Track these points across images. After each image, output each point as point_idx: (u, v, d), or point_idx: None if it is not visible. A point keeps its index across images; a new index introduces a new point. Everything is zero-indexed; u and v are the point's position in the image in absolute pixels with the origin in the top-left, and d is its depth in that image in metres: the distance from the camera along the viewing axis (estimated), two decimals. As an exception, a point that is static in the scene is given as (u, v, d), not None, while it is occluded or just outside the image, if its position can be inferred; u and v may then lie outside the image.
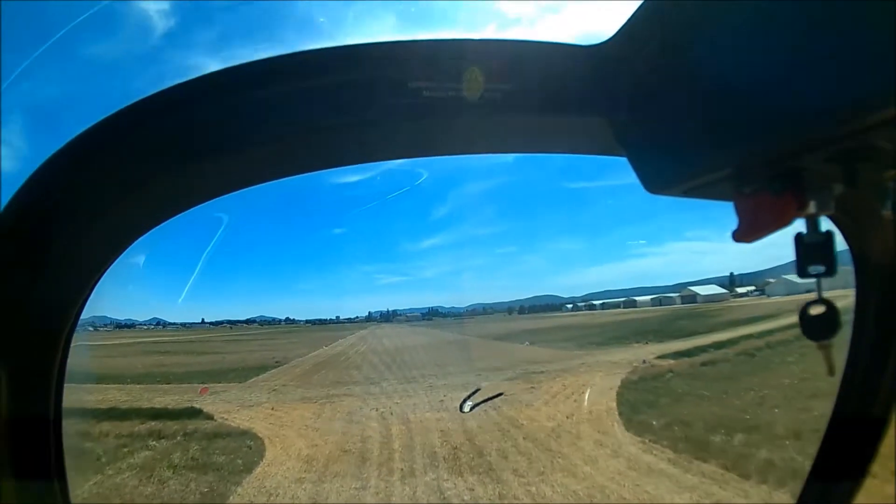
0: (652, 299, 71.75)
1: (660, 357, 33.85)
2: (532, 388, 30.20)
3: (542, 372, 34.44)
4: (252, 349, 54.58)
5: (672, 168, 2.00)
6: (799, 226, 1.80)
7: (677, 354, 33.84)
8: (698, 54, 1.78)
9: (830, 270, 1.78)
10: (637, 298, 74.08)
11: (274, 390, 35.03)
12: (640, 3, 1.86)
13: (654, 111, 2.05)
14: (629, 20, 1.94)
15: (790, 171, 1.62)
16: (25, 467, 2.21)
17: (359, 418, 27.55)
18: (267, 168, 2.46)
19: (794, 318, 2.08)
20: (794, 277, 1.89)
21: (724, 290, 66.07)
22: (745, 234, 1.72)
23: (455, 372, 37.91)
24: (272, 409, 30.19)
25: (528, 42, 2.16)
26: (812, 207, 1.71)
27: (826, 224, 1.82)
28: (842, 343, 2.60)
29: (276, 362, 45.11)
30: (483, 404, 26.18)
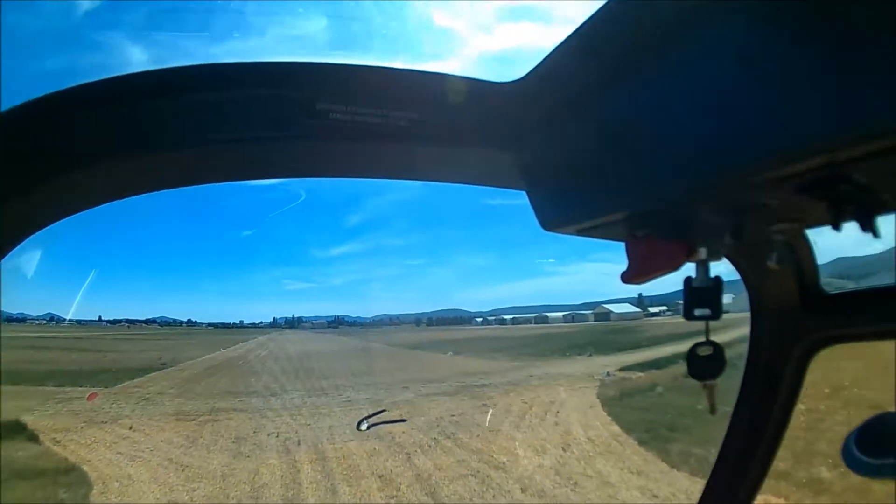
0: (564, 315, 67.88)
1: (622, 370, 30.42)
2: (483, 405, 25.72)
3: (485, 385, 30.03)
4: (141, 349, 46.38)
5: (568, 208, 1.98)
6: (689, 269, 1.78)
7: (643, 367, 30.39)
8: (601, 104, 1.74)
9: (716, 314, 1.76)
10: (549, 314, 69.71)
11: (145, 399, 27.73)
12: (553, 48, 1.74)
13: (556, 152, 2.01)
14: (541, 63, 1.84)
15: (682, 220, 1.64)
16: None
17: (251, 448, 20.74)
18: (170, 174, 2.27)
19: (736, 334, 2.76)
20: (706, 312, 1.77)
21: (637, 309, 60.50)
22: (633, 275, 1.73)
23: (375, 383, 32.19)
24: (130, 427, 22.78)
25: (438, 74, 2.05)
26: (702, 254, 1.72)
27: (724, 267, 1.91)
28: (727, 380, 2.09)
29: (162, 364, 38.09)
30: (399, 426, 22.47)
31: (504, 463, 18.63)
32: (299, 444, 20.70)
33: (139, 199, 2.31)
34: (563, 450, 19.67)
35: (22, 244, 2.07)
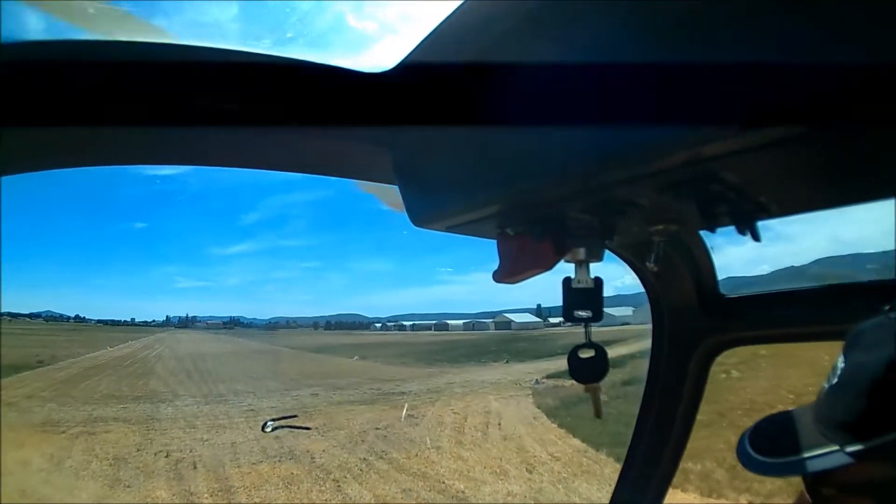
0: (464, 324, 70.96)
1: (549, 377, 28.12)
2: (411, 416, 22.82)
3: (404, 393, 27.51)
4: (19, 344, 41.04)
5: (437, 203, 1.84)
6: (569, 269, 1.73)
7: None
8: (469, 96, 1.59)
9: (597, 315, 1.72)
10: (449, 322, 72.66)
11: (8, 404, 23.13)
12: (424, 36, 1.54)
13: (425, 144, 1.86)
14: (413, 51, 1.61)
15: (551, 217, 1.57)
16: None
17: (132, 473, 16.31)
18: (53, 153, 2.01)
19: (643, 344, 2.90)
20: (610, 310, 1.14)
21: (538, 319, 64.53)
22: (505, 274, 1.69)
23: (280, 389, 29.01)
24: None
25: (307, 62, 1.76)
26: (581, 254, 1.67)
27: (614, 270, 1.97)
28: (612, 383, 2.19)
29: (39, 362, 34.08)
30: (317, 442, 19.50)
31: (464, 493, 15.17)
32: (195, 466, 16.37)
33: (28, 182, 1.77)
34: (529, 471, 16.59)
35: None
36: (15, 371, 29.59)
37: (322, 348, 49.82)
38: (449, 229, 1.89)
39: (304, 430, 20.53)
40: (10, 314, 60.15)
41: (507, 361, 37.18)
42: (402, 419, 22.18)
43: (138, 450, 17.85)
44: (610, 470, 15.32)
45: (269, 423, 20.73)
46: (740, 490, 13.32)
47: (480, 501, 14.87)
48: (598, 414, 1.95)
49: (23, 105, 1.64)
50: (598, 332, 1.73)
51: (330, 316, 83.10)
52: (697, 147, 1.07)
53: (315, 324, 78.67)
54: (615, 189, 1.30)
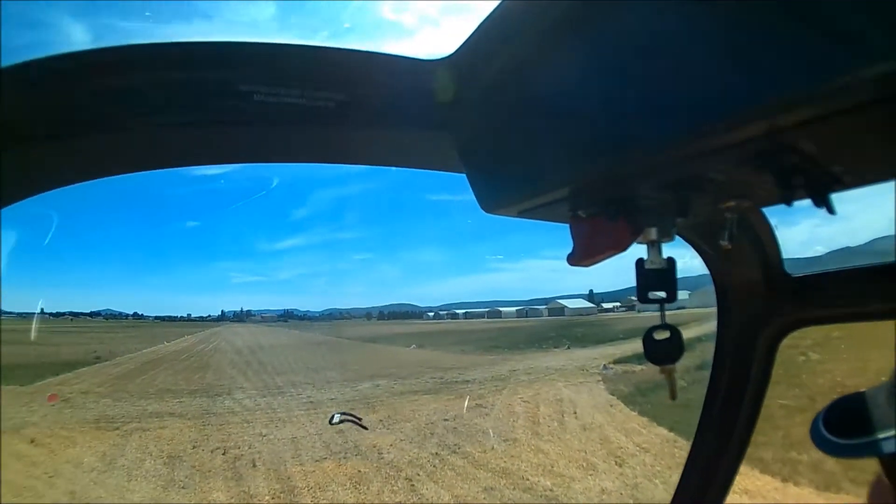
0: (517, 311, 68.85)
1: (617, 362, 26.61)
2: (479, 406, 21.42)
3: (468, 381, 25.98)
4: (79, 341, 41.48)
5: (508, 188, 1.85)
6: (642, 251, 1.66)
7: (638, 359, 24.76)
8: (538, 77, 1.58)
9: (671, 297, 1.68)
10: (501, 309, 71.26)
11: (64, 400, 22.69)
12: (484, 18, 1.54)
13: (493, 130, 1.87)
14: (472, 35, 1.63)
15: (625, 196, 1.51)
16: None
17: (188, 472, 15.03)
18: (93, 162, 2.04)
19: (707, 327, 2.84)
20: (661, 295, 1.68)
21: (591, 305, 63.36)
22: (579, 257, 1.63)
23: (338, 379, 27.71)
24: (31, 441, 17.15)
25: (366, 52, 1.83)
26: (653, 234, 1.60)
27: (683, 250, 1.90)
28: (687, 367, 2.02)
29: (96, 358, 33.68)
30: (383, 436, 17.90)
31: (552, 491, 13.51)
32: (254, 464, 15.04)
33: (86, 189, 2.08)
34: (619, 465, 15.16)
35: None
36: (71, 367, 29.33)
37: (377, 338, 49.30)
38: (520, 214, 1.86)
39: (381, 433, 18.92)
40: (71, 313, 62.17)
41: (568, 347, 35.41)
42: (471, 409, 20.88)
43: (194, 447, 16.72)
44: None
45: (336, 416, 19.60)
46: (859, 483, 10.76)
47: (573, 501, 13.34)
48: (673, 396, 1.81)
49: (77, 114, 1.70)
50: (648, 317, 1.67)
51: (383, 306, 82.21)
52: (771, 117, 1.00)
53: (368, 314, 77.65)
54: (688, 166, 1.27)
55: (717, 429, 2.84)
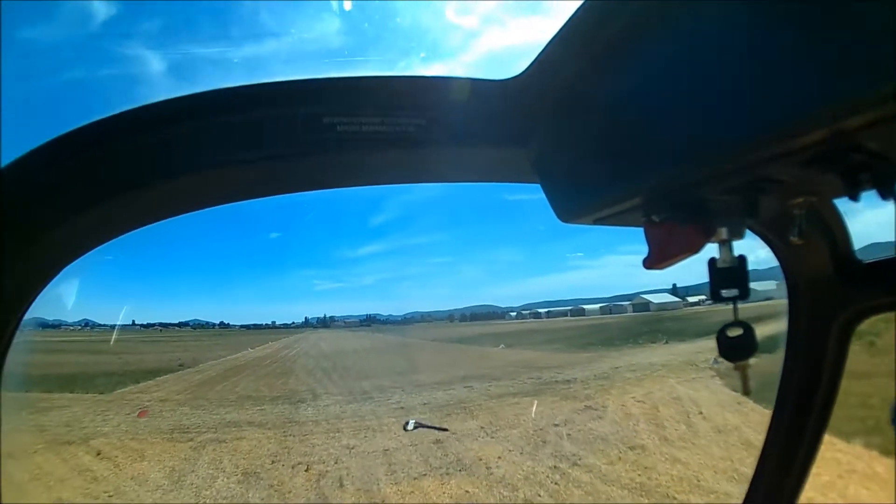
0: (601, 307, 66.78)
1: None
2: (589, 408, 18.90)
3: (569, 382, 23.50)
4: (163, 350, 41.82)
5: (583, 198, 1.89)
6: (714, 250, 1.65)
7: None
8: (606, 90, 1.67)
9: (743, 294, 1.65)
10: (585, 307, 68.22)
11: (142, 408, 21.35)
12: (551, 38, 1.66)
13: (565, 143, 1.94)
14: (540, 55, 1.75)
15: (696, 201, 1.52)
16: None
17: (265, 491, 13.03)
18: (192, 198, 2.19)
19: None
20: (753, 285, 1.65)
21: (677, 299, 60.18)
22: (654, 261, 1.61)
23: (428, 382, 25.31)
24: (98, 454, 15.67)
25: (440, 78, 2.00)
26: (724, 234, 1.59)
27: (755, 245, 1.93)
28: (761, 362, 1.90)
29: (179, 365, 33.32)
30: (487, 446, 15.31)
31: None
32: (341, 483, 12.64)
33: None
34: None
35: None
36: (153, 375, 28.55)
37: (463, 339, 46.70)
38: (596, 222, 1.87)
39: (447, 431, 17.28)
40: (161, 324, 65.38)
41: (666, 342, 32.95)
42: (580, 411, 18.39)
43: (273, 461, 14.60)
44: (882, 468, 10.91)
45: (410, 422, 17.97)
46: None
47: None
48: (746, 392, 1.77)
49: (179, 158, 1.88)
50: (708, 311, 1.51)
51: (464, 308, 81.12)
52: (835, 121, 1.02)
53: (450, 316, 76.43)
54: (757, 168, 1.27)
55: (792, 420, 2.76)
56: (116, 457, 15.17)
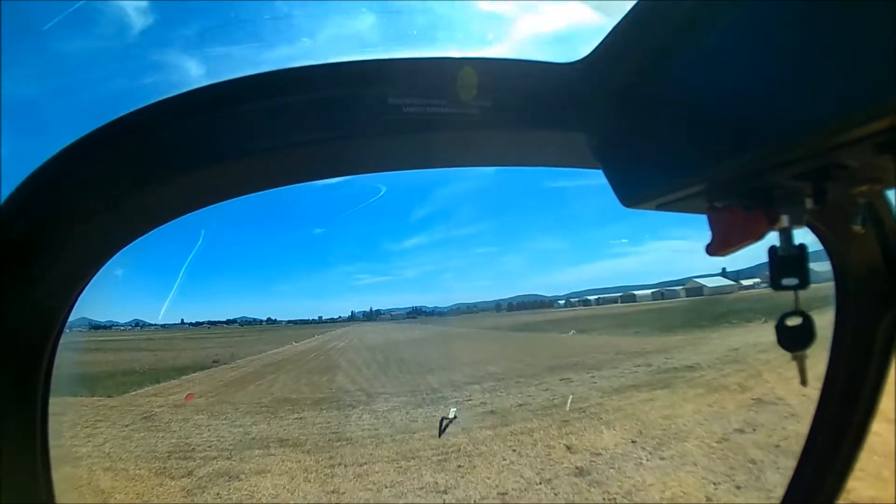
0: (653, 293, 63.46)
1: None
2: (758, 401, 13.23)
3: (689, 367, 18.06)
4: (206, 346, 38.18)
5: (646, 183, 1.75)
6: (773, 238, 1.52)
7: None
8: (672, 75, 1.55)
9: (804, 283, 1.49)
10: (636, 293, 65.13)
11: (147, 417, 15.80)
12: (617, 21, 1.57)
13: (629, 128, 1.79)
14: (606, 38, 1.64)
15: (761, 187, 1.43)
16: (11, 468, 1.80)
17: None
18: (251, 180, 2.10)
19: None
20: (813, 266, 1.50)
21: (731, 282, 55.23)
22: (718, 247, 1.51)
23: (508, 375, 19.36)
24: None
25: (507, 60, 1.86)
26: (784, 222, 1.47)
27: (803, 234, 1.60)
28: (818, 351, 1.75)
29: (214, 361, 29.24)
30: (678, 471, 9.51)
31: None
32: None
33: (219, 208, 2.10)
34: None
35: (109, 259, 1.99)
36: (182, 373, 24.50)
37: (519, 327, 41.81)
38: (658, 208, 1.78)
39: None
40: (209, 322, 64.64)
41: (764, 321, 26.88)
42: (753, 407, 13.04)
43: None
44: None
45: (443, 420, 13.20)
46: None
47: None
48: (804, 382, 1.66)
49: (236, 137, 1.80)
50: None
51: (511, 297, 77.37)
52: None
53: (497, 306, 73.07)
54: (822, 156, 1.21)
55: (835, 417, 2.63)
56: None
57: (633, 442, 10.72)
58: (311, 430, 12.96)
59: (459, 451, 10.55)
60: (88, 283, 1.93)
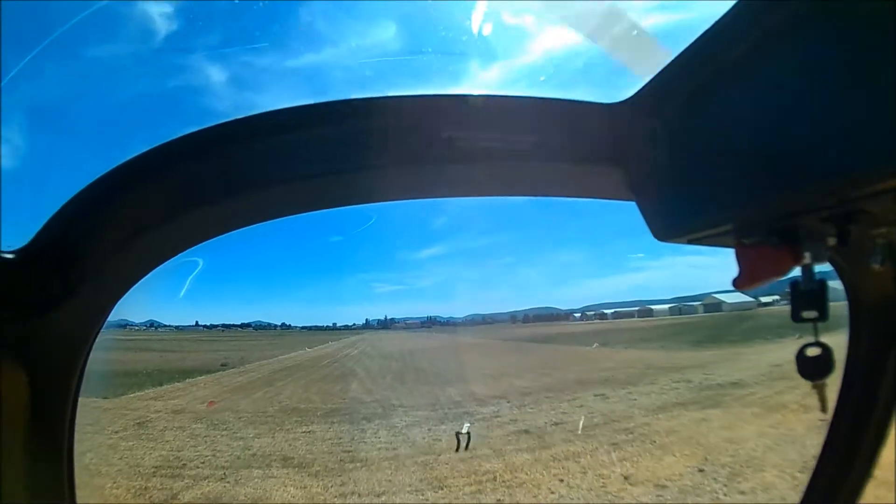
0: (670, 308, 62.95)
1: None
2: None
3: (735, 384, 16.70)
4: (215, 349, 37.95)
5: (678, 219, 1.74)
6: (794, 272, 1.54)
7: None
8: (707, 119, 1.55)
9: (823, 316, 1.49)
10: (653, 307, 64.52)
11: (140, 424, 14.51)
12: (662, 68, 1.60)
13: (664, 167, 1.77)
14: (649, 83, 1.68)
15: (788, 228, 1.44)
16: (38, 466, 1.86)
17: None
18: (281, 206, 2.17)
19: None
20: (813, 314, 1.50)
21: (751, 299, 53.28)
22: (744, 282, 1.49)
23: (536, 389, 17.58)
24: None
25: (557, 100, 1.91)
26: (807, 258, 1.48)
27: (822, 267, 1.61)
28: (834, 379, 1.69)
29: (222, 365, 28.28)
30: None
31: None
32: None
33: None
34: None
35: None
36: (188, 375, 23.56)
37: (539, 339, 40.78)
38: (690, 242, 1.76)
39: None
40: (224, 325, 67.19)
41: (799, 336, 25.97)
42: (819, 428, 9.92)
43: None
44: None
45: (466, 425, 12.45)
46: None
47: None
48: (824, 409, 1.73)
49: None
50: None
51: (526, 310, 77.11)
52: None
53: (512, 318, 72.20)
54: (848, 202, 1.23)
55: (845, 442, 2.59)
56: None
57: (700, 471, 9.07)
58: (321, 448, 11.30)
59: (495, 479, 8.81)
60: (124, 295, 1.94)
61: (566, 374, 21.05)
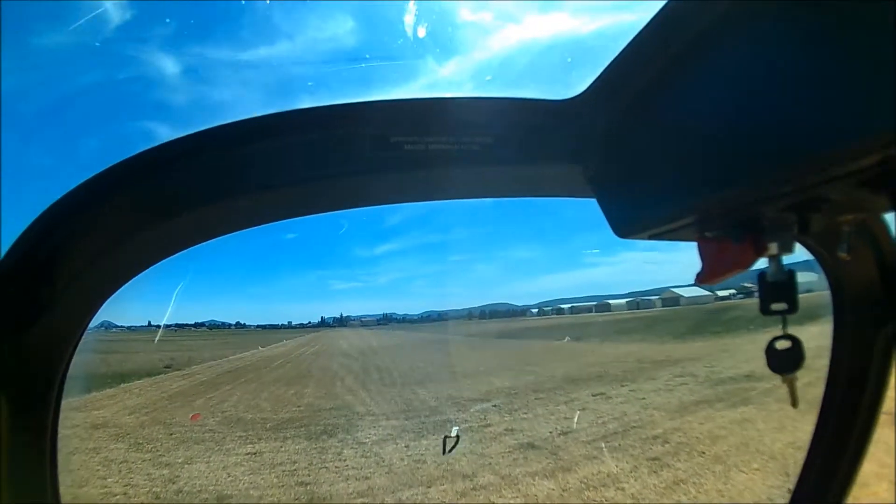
0: (628, 302, 65.09)
1: None
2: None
3: (748, 377, 15.05)
4: (162, 349, 33.98)
5: (639, 214, 1.73)
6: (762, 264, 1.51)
7: None
8: (663, 110, 1.54)
9: (792, 308, 1.47)
10: (611, 302, 66.16)
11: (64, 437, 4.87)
12: (613, 59, 1.57)
13: (623, 161, 1.80)
14: (601, 75, 1.66)
15: (749, 218, 1.42)
16: (21, 469, 1.75)
17: None
18: (257, 215, 2.08)
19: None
20: (782, 306, 1.46)
21: (709, 293, 54.54)
22: (707, 277, 1.48)
23: (521, 389, 15.36)
24: None
25: (507, 99, 1.88)
26: (773, 249, 1.44)
27: (800, 256, 1.70)
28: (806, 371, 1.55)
29: (166, 367, 25.94)
30: None
31: None
32: None
33: None
34: None
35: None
36: (121, 380, 20.80)
37: (504, 334, 39.34)
38: (651, 237, 1.74)
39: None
40: (177, 325, 61.73)
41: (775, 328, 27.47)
42: (882, 424, 7.83)
43: None
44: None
45: (455, 429, 10.64)
46: None
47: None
48: (794, 404, 1.59)
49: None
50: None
51: (482, 306, 77.91)
52: (889, 147, 0.95)
53: (469, 314, 70.92)
54: (810, 190, 1.21)
55: (835, 431, 2.56)
56: None
57: (790, 491, 6.31)
58: (269, 479, 8.35)
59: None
60: (101, 306, 1.88)
61: (550, 370, 19.19)
